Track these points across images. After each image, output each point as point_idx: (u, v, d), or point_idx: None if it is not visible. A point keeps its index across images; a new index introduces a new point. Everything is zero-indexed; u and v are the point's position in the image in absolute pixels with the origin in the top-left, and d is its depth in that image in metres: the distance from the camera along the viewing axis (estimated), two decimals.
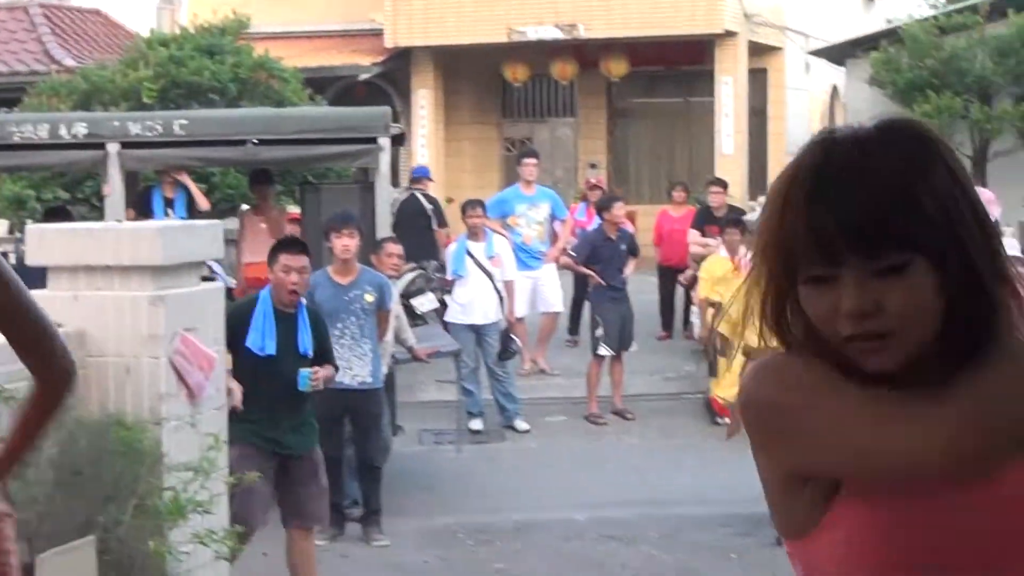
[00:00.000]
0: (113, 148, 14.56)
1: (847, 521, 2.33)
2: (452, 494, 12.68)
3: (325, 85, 24.12)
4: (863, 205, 2.25)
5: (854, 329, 2.25)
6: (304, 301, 9.45)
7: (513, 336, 15.33)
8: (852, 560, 2.34)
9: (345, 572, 10.35)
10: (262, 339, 9.07)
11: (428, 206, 18.85)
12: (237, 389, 8.88)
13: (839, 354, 2.31)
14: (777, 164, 27.51)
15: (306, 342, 9.19)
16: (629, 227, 17.58)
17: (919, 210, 2.25)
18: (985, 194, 7.72)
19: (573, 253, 17.00)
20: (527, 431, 15.37)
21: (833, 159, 2.31)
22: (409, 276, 15.63)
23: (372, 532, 11.42)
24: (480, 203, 16.48)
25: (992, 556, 2.38)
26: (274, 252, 9.62)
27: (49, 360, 3.92)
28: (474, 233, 15.78)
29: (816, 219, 2.26)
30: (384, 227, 14.69)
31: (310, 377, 9.00)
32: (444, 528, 11.64)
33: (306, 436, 9.24)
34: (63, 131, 14.90)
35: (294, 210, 16.63)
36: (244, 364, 9.05)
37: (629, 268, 16.44)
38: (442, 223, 19.08)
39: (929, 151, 2.34)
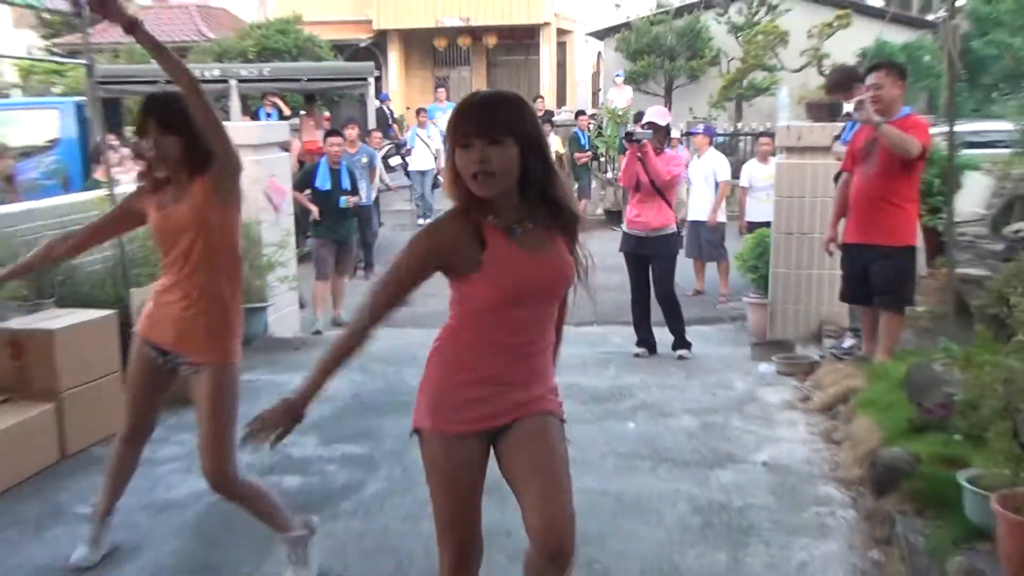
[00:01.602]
0: (233, 83, 14.35)
1: (492, 274, 2.50)
2: None
3: (343, 48, 23.62)
4: (484, 115, 2.47)
5: (477, 168, 2.43)
6: (344, 162, 9.40)
7: (439, 177, 15.32)
8: (486, 296, 2.52)
9: (358, 293, 9.96)
10: (322, 181, 9.06)
11: (388, 112, 18.93)
12: (315, 209, 8.92)
13: (469, 194, 2.48)
14: (571, 89, 27.45)
15: (345, 182, 9.14)
16: None
17: (512, 123, 2.47)
18: (660, 110, 7.72)
19: None
20: None
21: (479, 98, 2.53)
22: (386, 147, 15.70)
23: (369, 274, 11.29)
24: (423, 109, 16.33)
25: (556, 287, 2.60)
26: (326, 136, 9.65)
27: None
28: (421, 124, 15.58)
29: (463, 117, 2.48)
30: (371, 123, 14.73)
31: (346, 201, 9.02)
32: None
33: (349, 231, 9.25)
34: (205, 73, 14.58)
35: (327, 114, 16.43)
36: (316, 196, 9.02)
37: None
38: (395, 122, 19.32)
39: (523, 105, 2.54)
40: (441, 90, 18.98)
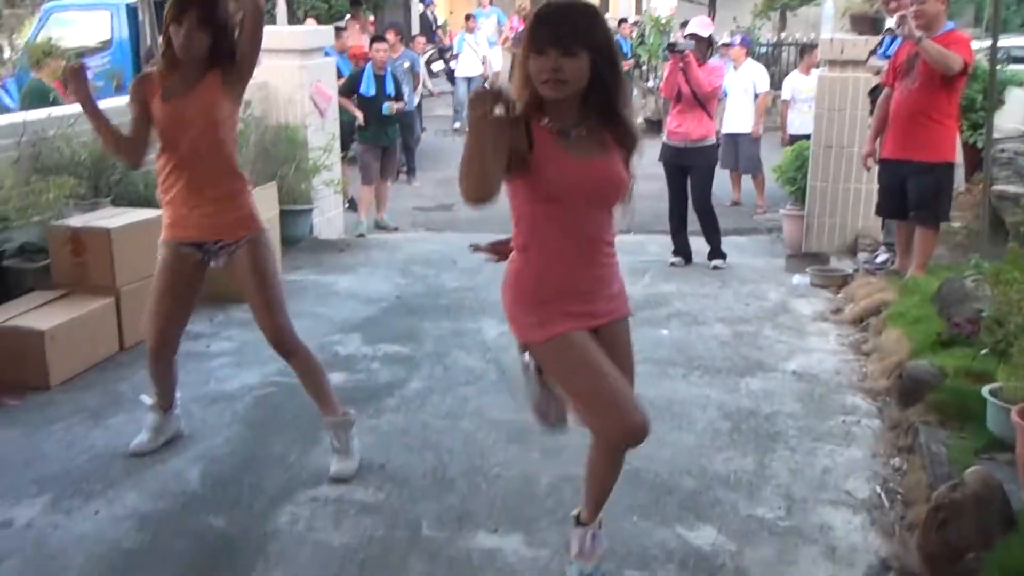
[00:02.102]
0: None
1: (538, 171, 2.52)
2: (450, 160, 12.62)
3: None
4: (561, 25, 2.48)
5: (550, 75, 2.46)
6: (389, 68, 9.23)
7: (486, 84, 15.05)
8: (540, 188, 2.55)
9: (400, 197, 10.14)
10: (367, 87, 8.94)
11: (432, 17, 18.52)
12: (360, 114, 8.82)
13: (533, 96, 2.50)
14: None
15: (390, 88, 8.98)
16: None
17: (587, 35, 2.48)
18: (703, 21, 7.54)
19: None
20: None
21: (556, 8, 2.53)
22: (429, 52, 15.51)
23: (412, 179, 11.48)
24: (472, 15, 16.02)
25: (606, 191, 2.61)
26: (372, 41, 9.47)
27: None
28: (469, 29, 15.31)
29: (539, 25, 2.50)
30: (415, 28, 14.52)
31: (389, 107, 8.90)
32: (447, 177, 11.32)
33: (392, 136, 9.12)
34: None
35: (371, 18, 16.21)
36: (361, 102, 8.90)
37: None
38: (439, 27, 18.85)
39: (597, 16, 2.55)
40: None
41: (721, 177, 8.64)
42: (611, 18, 21.00)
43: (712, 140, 7.14)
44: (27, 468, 3.75)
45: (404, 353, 5.14)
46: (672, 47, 6.98)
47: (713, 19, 13.57)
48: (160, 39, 3.61)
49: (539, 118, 2.54)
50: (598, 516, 2.95)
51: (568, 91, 2.51)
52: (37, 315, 4.70)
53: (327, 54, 8.76)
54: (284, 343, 3.65)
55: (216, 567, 3.10)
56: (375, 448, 3.93)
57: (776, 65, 14.94)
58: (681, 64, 6.86)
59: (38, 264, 5.12)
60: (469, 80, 14.97)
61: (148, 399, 3.94)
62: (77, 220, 5.15)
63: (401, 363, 4.99)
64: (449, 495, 3.56)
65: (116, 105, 6.50)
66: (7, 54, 11.11)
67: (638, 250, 7.53)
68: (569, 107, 2.55)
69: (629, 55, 15.05)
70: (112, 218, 5.20)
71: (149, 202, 5.80)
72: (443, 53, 16.42)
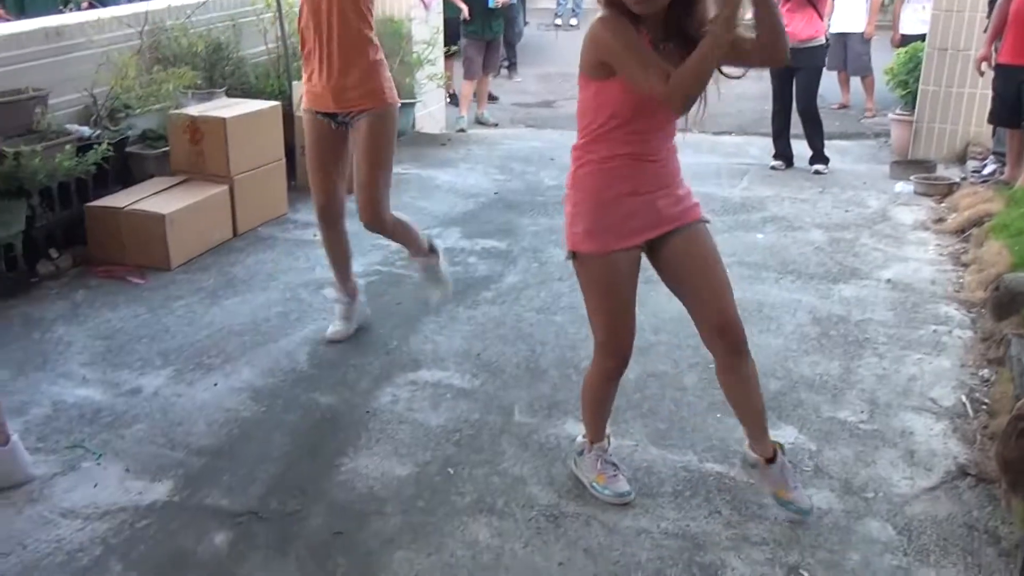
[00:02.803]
0: None
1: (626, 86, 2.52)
2: (552, 57, 12.42)
3: None
4: None
5: None
6: None
7: None
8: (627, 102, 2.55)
9: (501, 92, 10.11)
10: None
11: None
12: (465, 8, 8.70)
13: (626, 9, 2.47)
14: None
15: None
16: None
17: None
18: None
19: None
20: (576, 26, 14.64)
21: None
22: None
23: (513, 74, 11.38)
24: None
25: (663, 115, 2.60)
26: None
27: None
28: None
29: None
30: None
31: (494, 0, 8.75)
32: (548, 73, 11.47)
33: (497, 30, 9.00)
34: None
35: None
36: None
37: None
38: None
39: None
40: None
41: (830, 79, 8.43)
42: None
43: (821, 41, 6.97)
44: (153, 342, 4.07)
45: (501, 248, 5.29)
46: None
47: None
48: None
49: (639, 27, 2.53)
50: (767, 444, 2.95)
51: (656, 7, 2.48)
52: (158, 200, 4.99)
53: None
54: (372, 221, 3.82)
55: (323, 439, 3.35)
56: (472, 337, 4.12)
57: None
58: None
59: (158, 151, 5.40)
60: None
61: (332, 292, 4.18)
62: (194, 109, 5.38)
63: (498, 257, 5.15)
64: (540, 384, 3.74)
65: None
66: None
67: (738, 152, 7.48)
68: (657, 21, 2.53)
69: None
70: (226, 108, 5.42)
71: (260, 93, 6.03)
72: None
